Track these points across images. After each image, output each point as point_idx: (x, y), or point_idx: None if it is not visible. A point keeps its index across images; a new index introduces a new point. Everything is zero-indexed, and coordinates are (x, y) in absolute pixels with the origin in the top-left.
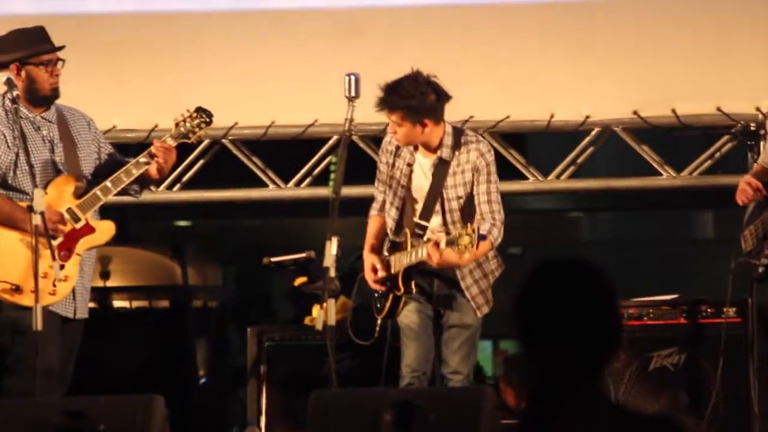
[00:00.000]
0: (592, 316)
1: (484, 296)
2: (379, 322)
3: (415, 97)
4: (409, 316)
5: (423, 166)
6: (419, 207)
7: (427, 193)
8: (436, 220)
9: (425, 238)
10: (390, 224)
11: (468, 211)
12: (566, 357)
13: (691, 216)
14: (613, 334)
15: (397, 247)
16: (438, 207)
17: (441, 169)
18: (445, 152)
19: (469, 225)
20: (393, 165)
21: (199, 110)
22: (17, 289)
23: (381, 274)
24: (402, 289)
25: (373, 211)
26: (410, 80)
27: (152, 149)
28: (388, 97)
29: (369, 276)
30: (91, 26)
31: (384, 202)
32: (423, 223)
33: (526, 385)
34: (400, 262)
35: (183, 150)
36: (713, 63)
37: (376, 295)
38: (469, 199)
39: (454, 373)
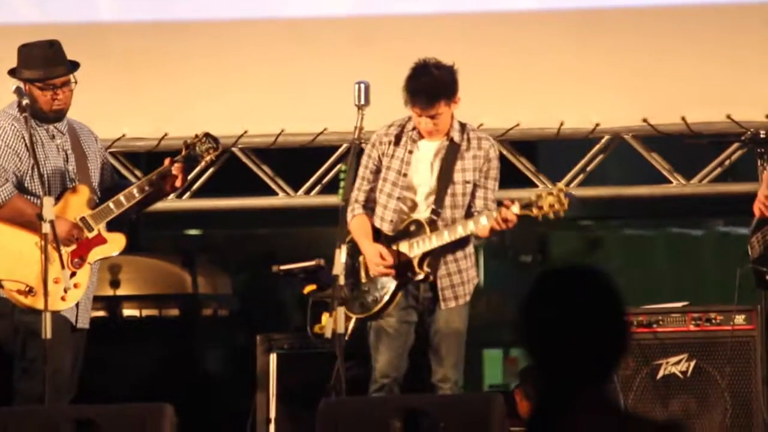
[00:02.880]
0: (599, 322)
1: (452, 291)
2: (373, 311)
3: (443, 74)
4: (386, 320)
5: (427, 151)
6: (422, 194)
7: (437, 178)
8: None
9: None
10: (389, 216)
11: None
12: (574, 364)
13: (701, 224)
14: (620, 340)
15: (404, 236)
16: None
17: (451, 152)
18: (456, 135)
19: (556, 188)
20: (392, 155)
21: (208, 136)
22: (30, 291)
23: (389, 260)
24: (421, 273)
25: (358, 210)
26: (429, 66)
27: (168, 168)
28: (434, 91)
29: (376, 263)
30: (101, 35)
31: (367, 198)
32: (437, 209)
33: None
34: (417, 246)
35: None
36: (723, 71)
37: (365, 288)
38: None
39: (443, 381)
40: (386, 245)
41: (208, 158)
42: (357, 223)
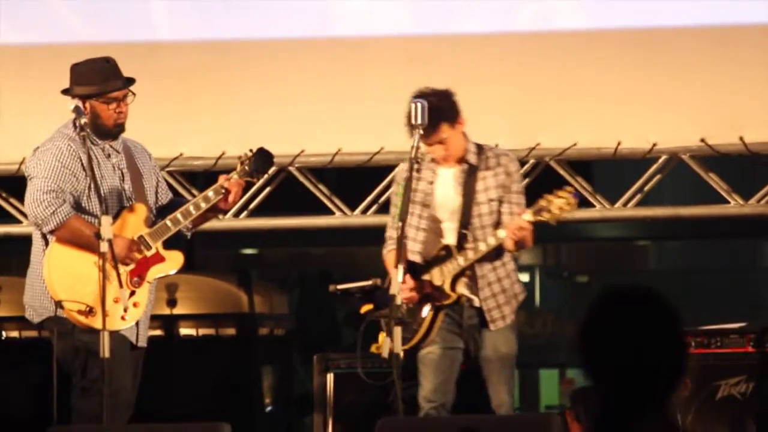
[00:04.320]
0: (659, 343)
1: (499, 311)
2: (413, 342)
3: (440, 100)
4: (427, 347)
5: (447, 178)
6: (446, 223)
7: (461, 203)
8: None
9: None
10: (417, 248)
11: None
12: (633, 385)
13: (759, 244)
14: (679, 362)
15: (435, 263)
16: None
17: (470, 174)
18: (472, 158)
19: (564, 189)
20: (415, 189)
21: (261, 151)
22: (90, 311)
23: (411, 284)
24: (453, 296)
25: (390, 246)
26: (423, 95)
27: (223, 184)
28: (431, 119)
29: (402, 289)
30: (159, 54)
31: (398, 233)
32: (464, 231)
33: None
34: (447, 269)
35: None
36: None
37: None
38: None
39: (499, 407)
40: (419, 274)
41: (262, 174)
42: (390, 259)
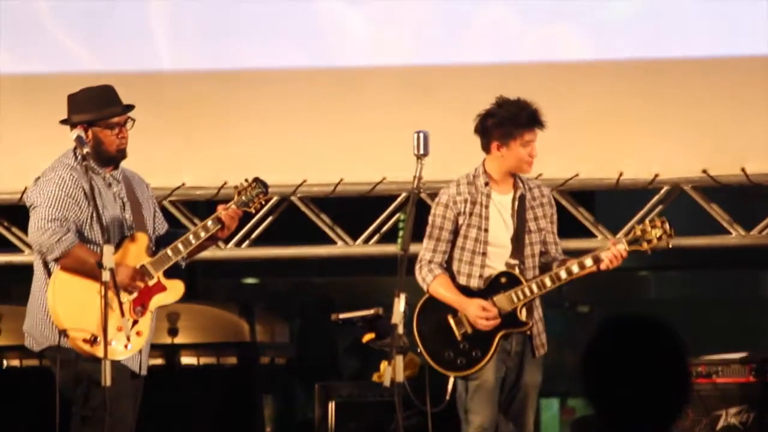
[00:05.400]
0: (661, 372)
1: (541, 338)
2: (473, 371)
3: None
4: (483, 375)
5: (501, 205)
6: (503, 246)
7: (515, 229)
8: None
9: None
10: (477, 272)
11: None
12: (635, 414)
13: (761, 275)
14: (681, 391)
15: (497, 289)
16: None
17: (522, 202)
18: (521, 186)
19: (655, 219)
20: (470, 213)
21: (257, 180)
22: (95, 340)
23: (494, 311)
24: (529, 323)
25: (438, 270)
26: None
27: (220, 215)
28: (535, 110)
29: (483, 317)
30: (161, 84)
31: (444, 259)
32: (518, 259)
33: None
34: (516, 296)
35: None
36: None
37: (463, 346)
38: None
39: None
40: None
41: (257, 203)
42: (442, 282)
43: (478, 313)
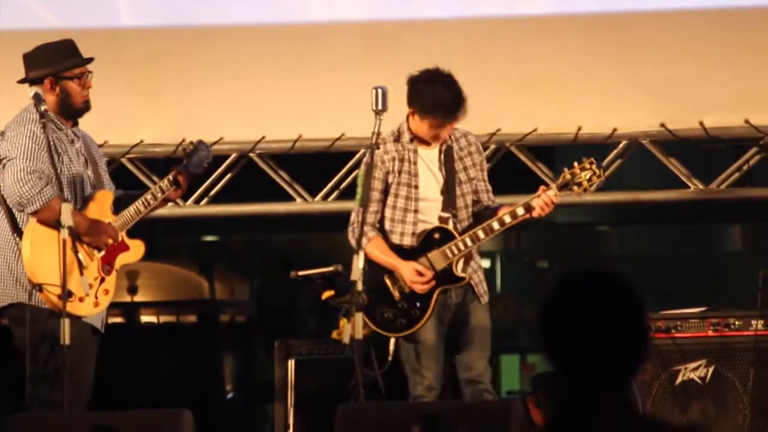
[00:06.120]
0: (619, 327)
1: (483, 286)
2: (415, 329)
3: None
4: (425, 334)
5: (429, 159)
6: (434, 201)
7: (445, 182)
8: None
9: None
10: (409, 229)
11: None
12: (594, 369)
13: (719, 229)
14: (640, 346)
15: (430, 246)
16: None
17: (449, 154)
18: (447, 138)
19: (584, 160)
20: (399, 171)
21: (200, 143)
22: (69, 296)
23: (429, 273)
24: (465, 278)
25: (372, 233)
26: (449, 77)
27: (177, 177)
28: (462, 108)
29: (417, 281)
30: (119, 41)
31: (377, 219)
32: (452, 211)
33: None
34: (450, 251)
35: (211, 164)
36: (741, 75)
37: (401, 305)
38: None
39: (482, 376)
40: (414, 259)
41: (199, 169)
42: (376, 245)
43: (413, 277)
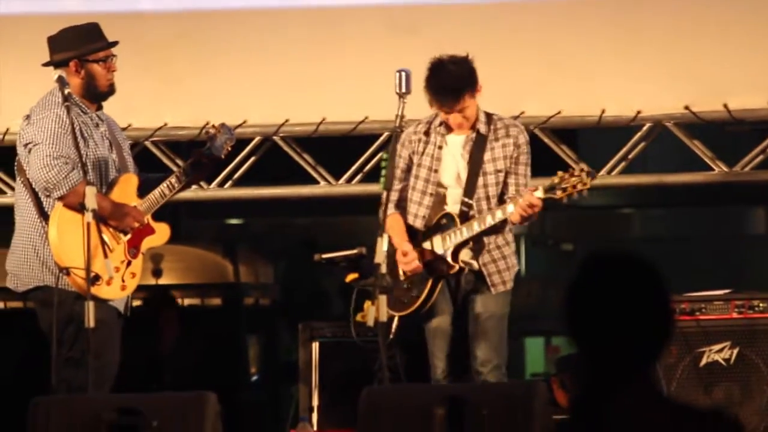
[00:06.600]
0: (644, 310)
1: (500, 276)
2: (411, 309)
3: (461, 68)
4: (431, 319)
5: (456, 145)
6: (453, 187)
7: (468, 170)
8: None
9: (507, 203)
10: (422, 212)
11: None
12: (618, 351)
13: (744, 211)
14: (664, 328)
15: (436, 231)
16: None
17: (479, 143)
18: (482, 127)
19: (575, 166)
20: (422, 153)
21: (223, 126)
22: (97, 279)
23: (411, 256)
24: (456, 266)
25: (391, 209)
26: (445, 63)
27: (201, 160)
28: (457, 87)
29: (400, 261)
30: (142, 24)
31: (399, 198)
32: (468, 200)
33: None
34: (449, 239)
35: (234, 147)
36: (765, 57)
37: (405, 285)
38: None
39: (484, 364)
40: (419, 241)
41: (226, 149)
42: (391, 222)
43: (398, 256)
